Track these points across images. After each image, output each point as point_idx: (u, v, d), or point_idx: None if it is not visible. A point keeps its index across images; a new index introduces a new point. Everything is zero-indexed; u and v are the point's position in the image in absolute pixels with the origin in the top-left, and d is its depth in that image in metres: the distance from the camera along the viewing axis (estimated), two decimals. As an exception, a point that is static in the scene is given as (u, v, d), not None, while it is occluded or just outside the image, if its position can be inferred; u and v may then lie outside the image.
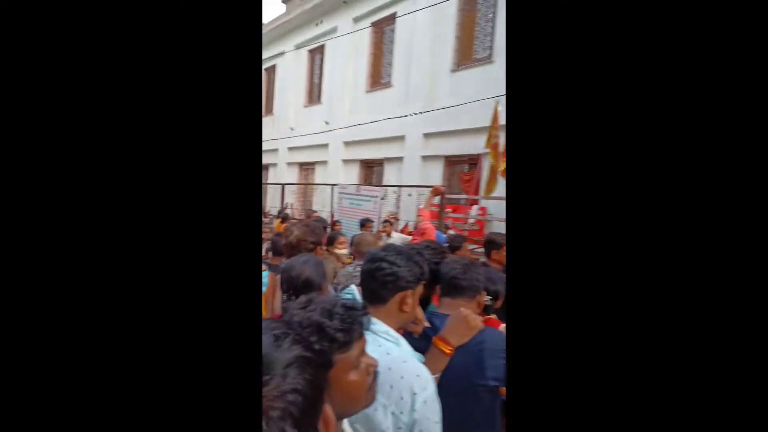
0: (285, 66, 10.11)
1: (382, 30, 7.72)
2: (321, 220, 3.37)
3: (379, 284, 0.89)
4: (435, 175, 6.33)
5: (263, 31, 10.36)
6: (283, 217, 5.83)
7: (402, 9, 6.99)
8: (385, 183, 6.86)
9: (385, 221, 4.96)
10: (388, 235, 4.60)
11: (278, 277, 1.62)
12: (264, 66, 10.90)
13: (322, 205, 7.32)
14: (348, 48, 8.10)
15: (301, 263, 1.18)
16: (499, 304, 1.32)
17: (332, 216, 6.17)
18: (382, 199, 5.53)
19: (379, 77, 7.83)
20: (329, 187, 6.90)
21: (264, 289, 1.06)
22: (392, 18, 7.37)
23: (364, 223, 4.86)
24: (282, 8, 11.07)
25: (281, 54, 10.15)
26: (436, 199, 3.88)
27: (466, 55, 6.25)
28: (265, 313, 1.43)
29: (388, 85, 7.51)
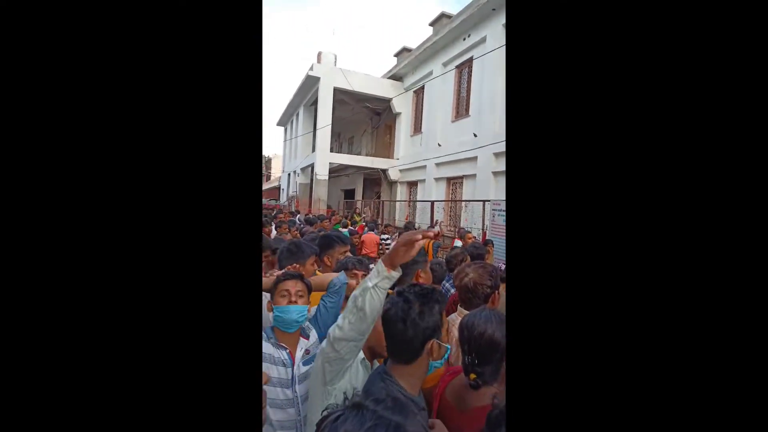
0: (432, 85, 10.46)
1: (538, 29, 7.05)
2: (492, 267, 3.18)
3: None
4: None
5: (412, 56, 11.04)
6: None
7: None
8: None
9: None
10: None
11: (451, 322, 1.55)
12: (413, 89, 11.58)
13: (472, 221, 7.10)
14: (497, 55, 7.74)
15: (484, 321, 1.05)
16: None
17: (484, 234, 5.88)
18: (544, 216, 4.91)
19: (534, 81, 7.15)
20: (480, 203, 6.64)
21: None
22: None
23: (523, 244, 4.39)
24: (429, 31, 11.57)
25: (429, 74, 10.56)
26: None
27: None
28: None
29: (545, 87, 6.77)
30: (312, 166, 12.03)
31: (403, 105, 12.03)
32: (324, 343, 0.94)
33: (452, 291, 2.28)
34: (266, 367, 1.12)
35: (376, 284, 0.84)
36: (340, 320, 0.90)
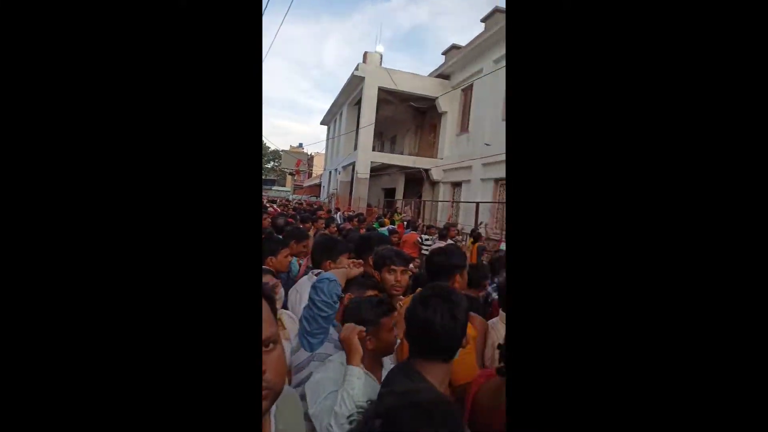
0: (482, 83, 10.08)
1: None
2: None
3: None
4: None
5: (461, 54, 10.74)
6: (476, 236, 5.62)
7: None
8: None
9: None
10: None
11: (492, 324, 1.39)
12: (461, 87, 11.26)
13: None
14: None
15: None
16: None
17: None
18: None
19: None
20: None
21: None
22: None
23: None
24: (480, 27, 11.19)
25: (479, 72, 10.19)
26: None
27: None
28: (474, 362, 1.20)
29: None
30: (353, 164, 12.14)
31: (448, 104, 11.74)
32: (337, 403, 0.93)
33: (494, 295, 2.09)
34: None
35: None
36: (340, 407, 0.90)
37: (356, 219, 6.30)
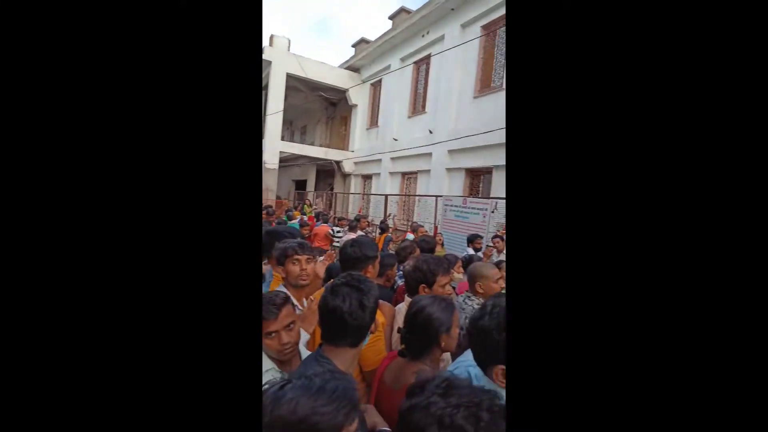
0: (390, 79, 10.40)
1: (494, 32, 7.27)
2: (433, 259, 3.16)
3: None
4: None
5: (370, 49, 10.89)
6: (383, 228, 5.83)
7: (516, 6, 6.43)
8: (493, 194, 6.35)
9: (496, 236, 4.51)
10: (500, 252, 4.15)
11: (397, 308, 1.46)
12: (370, 81, 11.43)
13: (425, 216, 7.16)
14: (455, 54, 7.87)
15: (428, 300, 1.08)
16: None
17: (435, 229, 5.95)
18: (492, 212, 5.07)
19: (489, 81, 7.38)
20: (433, 198, 6.71)
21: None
22: (504, 19, 6.86)
23: (472, 240, 4.49)
24: (388, 24, 11.49)
25: (387, 68, 10.48)
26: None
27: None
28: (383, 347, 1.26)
29: (499, 88, 7.01)
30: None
31: (359, 97, 11.83)
32: None
33: (399, 282, 2.21)
34: None
35: None
36: None
37: (264, 212, 5.95)
